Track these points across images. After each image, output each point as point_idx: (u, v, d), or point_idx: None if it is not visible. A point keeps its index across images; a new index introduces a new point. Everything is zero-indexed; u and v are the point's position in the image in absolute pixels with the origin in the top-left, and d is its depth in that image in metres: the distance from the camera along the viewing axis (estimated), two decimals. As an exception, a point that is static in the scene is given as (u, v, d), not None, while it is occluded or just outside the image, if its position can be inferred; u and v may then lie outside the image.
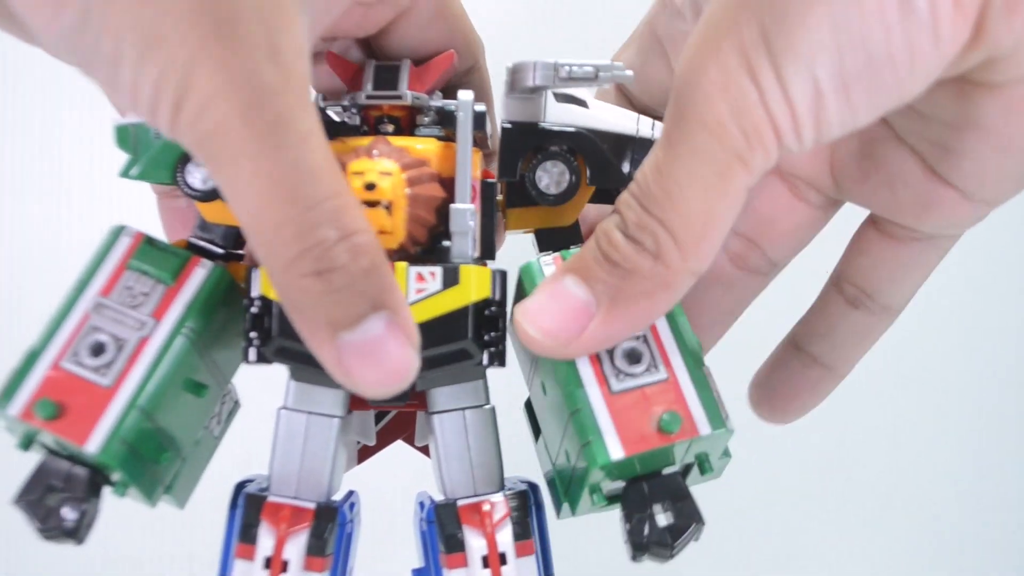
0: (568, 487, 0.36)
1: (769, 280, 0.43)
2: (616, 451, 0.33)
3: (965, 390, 0.99)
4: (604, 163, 0.38)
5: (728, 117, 0.30)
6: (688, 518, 0.34)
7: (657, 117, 0.42)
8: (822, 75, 0.29)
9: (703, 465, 0.35)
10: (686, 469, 0.36)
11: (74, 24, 0.29)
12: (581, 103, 0.38)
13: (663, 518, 0.34)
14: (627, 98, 0.44)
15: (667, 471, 0.35)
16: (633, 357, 0.35)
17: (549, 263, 0.36)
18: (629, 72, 0.36)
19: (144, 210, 0.42)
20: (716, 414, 0.34)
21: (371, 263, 0.31)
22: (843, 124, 0.30)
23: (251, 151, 0.29)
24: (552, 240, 0.39)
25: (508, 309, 0.36)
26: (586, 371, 0.34)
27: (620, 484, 0.35)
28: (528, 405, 0.41)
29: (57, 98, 0.71)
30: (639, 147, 0.38)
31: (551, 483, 0.39)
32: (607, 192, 0.40)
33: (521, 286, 0.37)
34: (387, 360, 0.31)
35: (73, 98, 0.75)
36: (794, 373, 0.43)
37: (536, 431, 0.40)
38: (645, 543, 0.34)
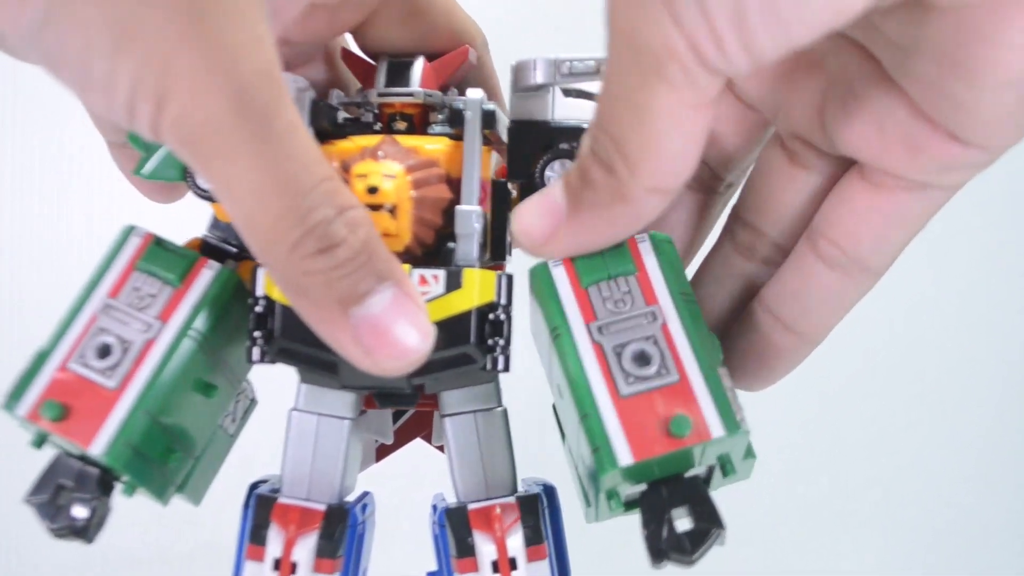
0: (588, 492, 0.35)
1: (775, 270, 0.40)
2: (625, 457, 0.32)
3: (965, 390, 0.96)
4: None
5: (638, 31, 0.29)
6: (708, 523, 0.33)
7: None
8: None
9: (725, 467, 0.34)
10: (710, 471, 0.35)
11: (37, 19, 0.28)
12: (591, 97, 0.37)
13: (683, 523, 0.33)
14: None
15: (689, 474, 0.34)
16: (643, 360, 0.34)
17: (558, 263, 0.36)
18: None
19: (150, 208, 0.42)
20: (730, 416, 0.33)
21: (368, 235, 0.31)
22: (775, 41, 0.28)
23: (244, 147, 0.29)
24: None
25: (515, 313, 0.35)
26: (595, 375, 0.33)
27: (641, 488, 0.34)
28: (555, 409, 0.40)
29: (59, 95, 0.72)
30: None
31: (578, 487, 0.38)
32: None
33: (532, 290, 0.36)
34: (404, 330, 0.31)
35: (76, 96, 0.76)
36: (762, 338, 0.39)
37: (563, 433, 0.39)
38: (663, 549, 0.33)
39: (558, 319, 0.34)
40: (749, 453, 0.35)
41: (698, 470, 0.34)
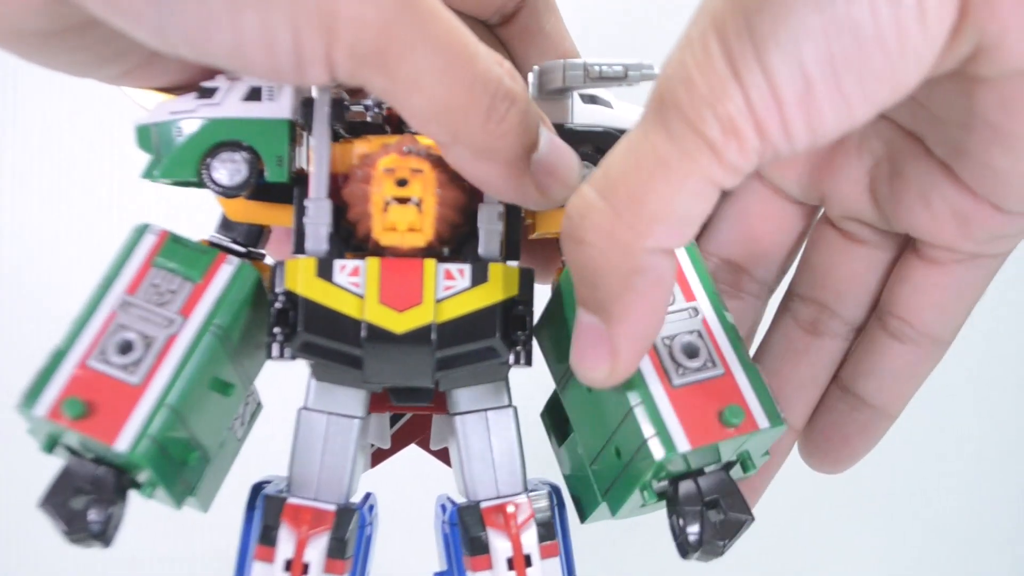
0: (610, 488, 0.36)
1: (849, 344, 0.41)
2: (682, 443, 0.33)
3: (969, 390, 0.99)
4: None
5: (705, 106, 0.28)
6: (738, 514, 0.34)
7: None
8: (809, 59, 0.27)
9: (745, 463, 0.36)
10: (725, 468, 0.36)
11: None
12: (606, 104, 0.38)
13: (712, 515, 0.35)
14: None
15: (710, 469, 0.35)
16: (691, 351, 0.35)
17: None
18: (658, 71, 0.37)
19: (150, 209, 0.42)
20: (773, 410, 0.34)
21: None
22: (838, 117, 0.28)
23: (421, 35, 0.29)
24: None
25: (534, 308, 0.36)
26: (646, 366, 0.34)
27: (663, 484, 0.35)
28: (547, 412, 0.40)
29: (59, 96, 0.70)
30: None
31: (575, 488, 0.39)
32: None
33: (559, 293, 0.37)
34: (564, 157, 0.32)
35: (78, 97, 0.74)
36: (842, 416, 0.41)
37: (560, 437, 0.40)
38: (697, 541, 0.34)
39: None
40: (766, 451, 0.36)
41: (718, 466, 0.35)
